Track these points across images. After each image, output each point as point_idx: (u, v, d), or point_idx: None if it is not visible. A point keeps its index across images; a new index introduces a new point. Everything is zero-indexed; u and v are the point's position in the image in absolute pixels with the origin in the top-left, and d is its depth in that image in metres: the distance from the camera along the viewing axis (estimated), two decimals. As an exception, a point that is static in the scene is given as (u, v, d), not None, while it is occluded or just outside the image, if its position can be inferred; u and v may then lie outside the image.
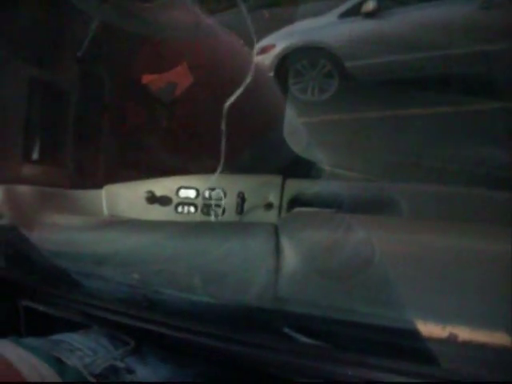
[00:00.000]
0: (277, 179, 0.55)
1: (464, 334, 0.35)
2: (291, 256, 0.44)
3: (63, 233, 0.59)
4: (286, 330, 0.43)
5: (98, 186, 0.62)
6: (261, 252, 0.46)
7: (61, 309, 0.56)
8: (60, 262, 0.57)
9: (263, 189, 0.55)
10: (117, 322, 0.50)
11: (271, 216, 0.54)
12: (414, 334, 0.37)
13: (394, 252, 0.41)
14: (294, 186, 0.55)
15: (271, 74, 2.46)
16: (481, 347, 0.34)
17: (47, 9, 0.54)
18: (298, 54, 2.50)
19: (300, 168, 0.60)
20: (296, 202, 0.54)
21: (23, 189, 0.60)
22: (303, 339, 0.42)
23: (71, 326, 0.56)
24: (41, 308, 0.57)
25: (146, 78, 0.59)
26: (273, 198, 0.55)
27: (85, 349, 0.44)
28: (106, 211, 0.61)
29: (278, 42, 2.50)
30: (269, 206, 0.55)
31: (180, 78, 0.59)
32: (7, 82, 0.55)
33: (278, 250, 0.44)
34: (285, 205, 0.54)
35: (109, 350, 0.45)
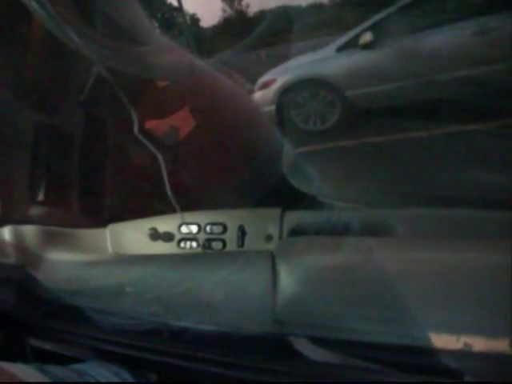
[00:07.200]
0: (276, 212, 0.56)
1: (479, 344, 0.35)
2: (287, 280, 0.45)
3: (69, 270, 0.60)
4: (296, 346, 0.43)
5: (103, 224, 0.63)
6: (258, 277, 0.46)
7: (70, 346, 0.57)
8: (67, 298, 0.58)
9: (263, 221, 0.56)
10: (123, 354, 0.50)
11: (271, 248, 0.55)
12: (420, 349, 0.37)
13: (392, 270, 0.42)
14: (293, 218, 0.56)
15: (273, 106, 2.52)
16: (496, 357, 0.35)
17: (52, 56, 0.57)
18: (298, 86, 2.56)
19: (299, 200, 0.61)
20: (295, 232, 0.55)
21: (30, 228, 0.62)
22: (306, 360, 0.42)
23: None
24: (47, 347, 0.57)
25: (149, 123, 0.61)
26: (272, 229, 0.55)
27: None
28: (110, 249, 0.62)
29: (279, 76, 2.57)
30: (269, 237, 0.55)
31: (182, 122, 0.61)
32: (14, 127, 0.58)
33: (274, 275, 0.45)
34: (284, 236, 0.55)
35: None
